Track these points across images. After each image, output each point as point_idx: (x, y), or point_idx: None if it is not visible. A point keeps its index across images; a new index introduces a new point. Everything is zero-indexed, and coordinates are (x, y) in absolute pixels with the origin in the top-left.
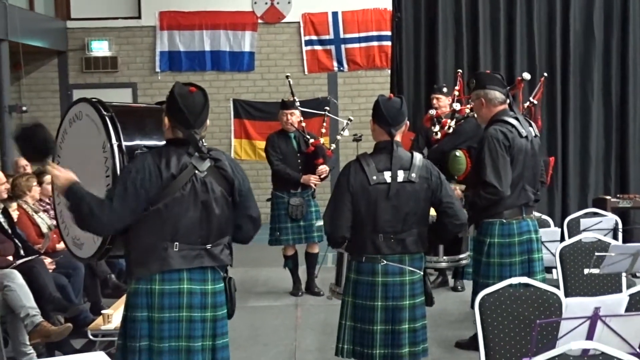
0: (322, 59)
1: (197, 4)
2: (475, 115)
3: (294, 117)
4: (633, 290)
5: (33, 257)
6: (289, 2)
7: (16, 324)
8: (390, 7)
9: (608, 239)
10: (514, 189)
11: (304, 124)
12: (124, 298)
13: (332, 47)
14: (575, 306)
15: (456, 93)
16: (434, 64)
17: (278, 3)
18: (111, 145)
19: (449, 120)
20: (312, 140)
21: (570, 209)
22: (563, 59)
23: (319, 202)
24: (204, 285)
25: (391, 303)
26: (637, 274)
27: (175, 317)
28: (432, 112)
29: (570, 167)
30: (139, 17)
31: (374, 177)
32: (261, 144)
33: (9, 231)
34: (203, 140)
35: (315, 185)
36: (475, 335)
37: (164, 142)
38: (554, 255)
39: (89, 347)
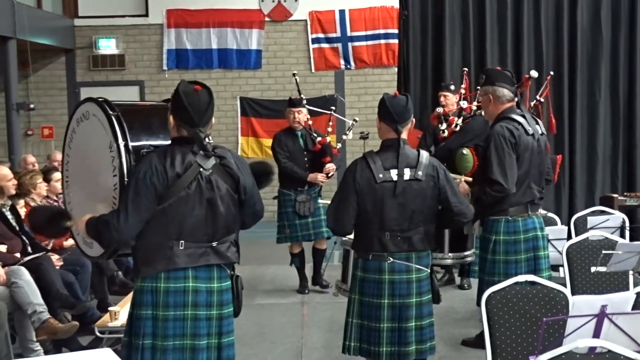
0: (329, 56)
1: (204, 2)
2: (483, 113)
3: (301, 115)
4: None
5: (40, 254)
6: (296, 0)
7: (23, 321)
8: (397, 5)
9: (615, 237)
10: (520, 186)
11: (310, 122)
12: (131, 295)
13: (339, 45)
14: (582, 304)
15: (462, 91)
16: (441, 62)
17: (285, 1)
18: (118, 145)
19: (455, 118)
20: (319, 139)
21: (577, 207)
22: (570, 56)
23: (325, 200)
24: (210, 283)
25: (398, 301)
26: None
27: (180, 315)
28: (439, 110)
29: (578, 165)
30: (147, 15)
31: (380, 175)
32: (268, 142)
33: (17, 228)
34: (209, 137)
35: (322, 183)
36: (482, 333)
37: (170, 141)
38: (560, 253)
39: (95, 344)
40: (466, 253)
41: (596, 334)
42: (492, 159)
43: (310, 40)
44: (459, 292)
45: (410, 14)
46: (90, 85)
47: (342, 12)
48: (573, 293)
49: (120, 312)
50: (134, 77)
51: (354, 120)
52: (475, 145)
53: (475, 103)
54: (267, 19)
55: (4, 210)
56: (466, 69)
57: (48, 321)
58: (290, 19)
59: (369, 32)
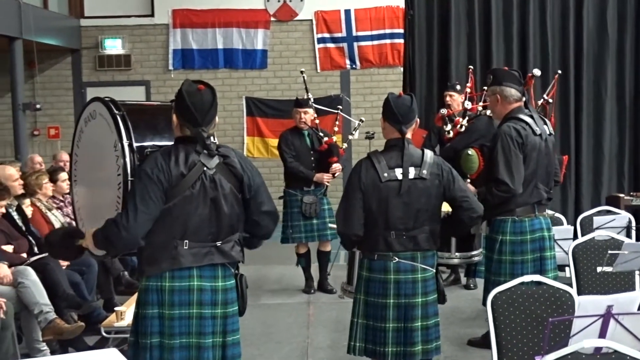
0: (335, 56)
1: (210, 2)
2: (488, 113)
3: (308, 115)
4: None
5: (47, 254)
6: (301, 0)
7: (30, 321)
8: (402, 5)
9: (621, 237)
10: (527, 186)
11: (317, 122)
12: (136, 295)
13: (345, 45)
14: (588, 304)
15: (468, 90)
16: (446, 62)
17: (291, 1)
18: (122, 144)
19: (461, 119)
20: (325, 138)
21: (583, 206)
22: (576, 56)
23: (330, 199)
24: (214, 282)
25: (403, 300)
26: None
27: (186, 314)
28: (443, 111)
29: (584, 165)
30: (152, 15)
31: (385, 175)
32: (274, 142)
33: (23, 228)
34: (213, 137)
35: (327, 183)
36: (488, 333)
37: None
38: (566, 253)
39: (102, 343)
40: (473, 253)
41: (602, 334)
42: (498, 159)
43: (315, 40)
44: (464, 292)
45: (416, 14)
46: (97, 85)
47: (347, 11)
48: (579, 293)
49: (127, 312)
50: (140, 77)
51: (361, 120)
52: (480, 145)
53: (481, 103)
54: (272, 18)
55: (10, 210)
56: (471, 67)
57: (54, 321)
58: (296, 18)
59: (375, 32)
